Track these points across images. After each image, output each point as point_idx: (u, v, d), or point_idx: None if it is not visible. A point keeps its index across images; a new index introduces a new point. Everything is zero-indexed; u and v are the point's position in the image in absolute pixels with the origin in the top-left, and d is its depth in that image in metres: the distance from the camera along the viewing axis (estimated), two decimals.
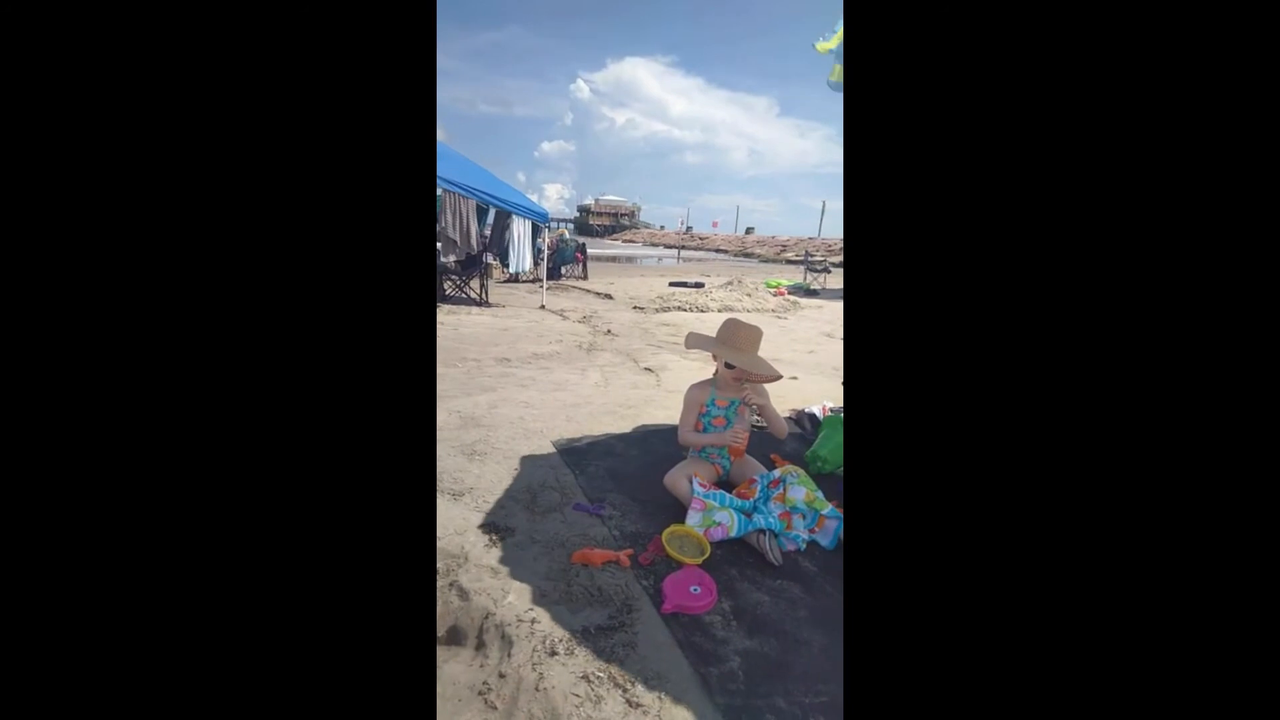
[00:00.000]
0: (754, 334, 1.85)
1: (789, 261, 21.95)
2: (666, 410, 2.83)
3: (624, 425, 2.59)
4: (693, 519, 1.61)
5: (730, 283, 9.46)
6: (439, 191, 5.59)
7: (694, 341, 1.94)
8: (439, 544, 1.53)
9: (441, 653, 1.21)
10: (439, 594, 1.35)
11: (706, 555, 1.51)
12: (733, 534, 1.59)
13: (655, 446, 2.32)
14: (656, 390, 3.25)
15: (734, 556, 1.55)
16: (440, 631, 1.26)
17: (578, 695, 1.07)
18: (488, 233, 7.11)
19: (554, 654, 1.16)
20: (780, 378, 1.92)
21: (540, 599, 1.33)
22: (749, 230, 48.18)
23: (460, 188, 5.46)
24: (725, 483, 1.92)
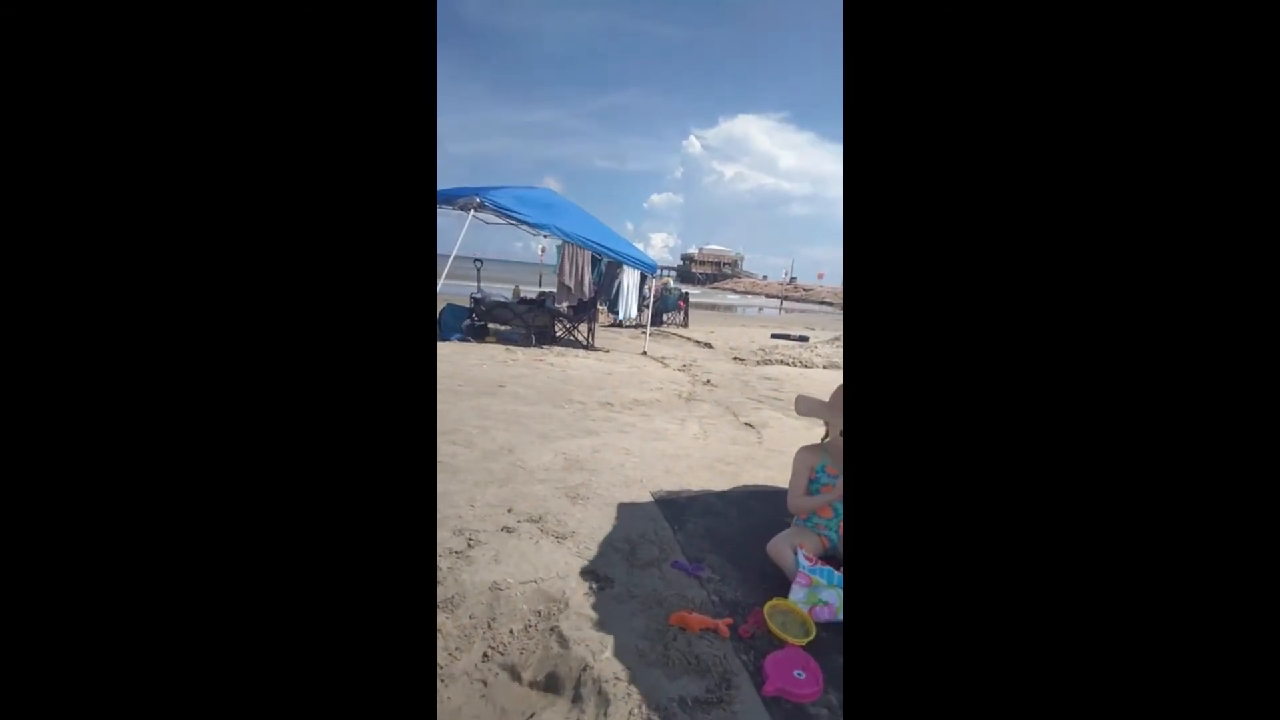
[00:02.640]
0: None
1: None
2: (768, 470, 2.75)
3: (723, 482, 2.55)
4: (796, 594, 1.53)
5: (838, 338, 9.10)
6: (559, 242, 6.02)
7: (806, 408, 1.88)
8: (541, 586, 1.58)
9: (538, 698, 1.23)
10: (539, 637, 1.39)
11: (811, 636, 1.42)
12: (840, 617, 1.49)
13: (755, 508, 2.24)
14: (757, 448, 3.17)
15: (843, 643, 1.45)
16: (539, 676, 1.29)
17: None
18: (599, 281, 7.49)
19: None
20: None
21: (637, 659, 1.32)
22: None
23: (578, 239, 5.85)
24: (833, 558, 1.81)
